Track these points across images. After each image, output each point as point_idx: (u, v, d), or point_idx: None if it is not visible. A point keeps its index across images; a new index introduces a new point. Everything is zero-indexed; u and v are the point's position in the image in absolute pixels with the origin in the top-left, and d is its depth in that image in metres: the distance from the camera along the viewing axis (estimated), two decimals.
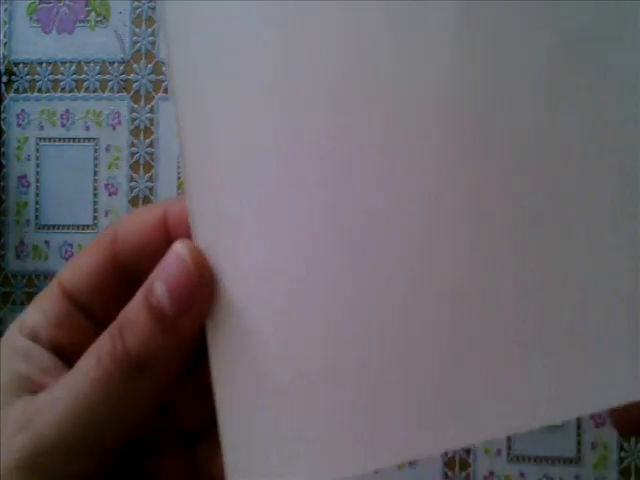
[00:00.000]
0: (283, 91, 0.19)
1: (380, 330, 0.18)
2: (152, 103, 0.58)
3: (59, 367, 0.20)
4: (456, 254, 0.18)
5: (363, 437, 0.18)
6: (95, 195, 0.58)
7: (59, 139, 0.58)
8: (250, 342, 0.18)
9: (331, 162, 0.19)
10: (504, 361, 0.18)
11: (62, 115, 0.58)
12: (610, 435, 0.53)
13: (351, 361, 0.18)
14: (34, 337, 0.20)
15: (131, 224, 0.21)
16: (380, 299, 0.18)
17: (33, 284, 0.57)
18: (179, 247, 0.18)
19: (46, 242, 0.58)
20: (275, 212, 0.18)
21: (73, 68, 0.58)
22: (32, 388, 0.19)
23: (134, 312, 0.18)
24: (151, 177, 0.57)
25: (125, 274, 0.21)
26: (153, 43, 0.58)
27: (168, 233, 0.21)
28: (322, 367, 0.18)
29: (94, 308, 0.21)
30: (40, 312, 0.21)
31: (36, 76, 0.59)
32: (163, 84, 0.58)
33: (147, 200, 0.57)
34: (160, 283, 0.18)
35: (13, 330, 0.21)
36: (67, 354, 0.20)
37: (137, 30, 0.58)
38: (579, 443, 0.53)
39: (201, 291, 0.18)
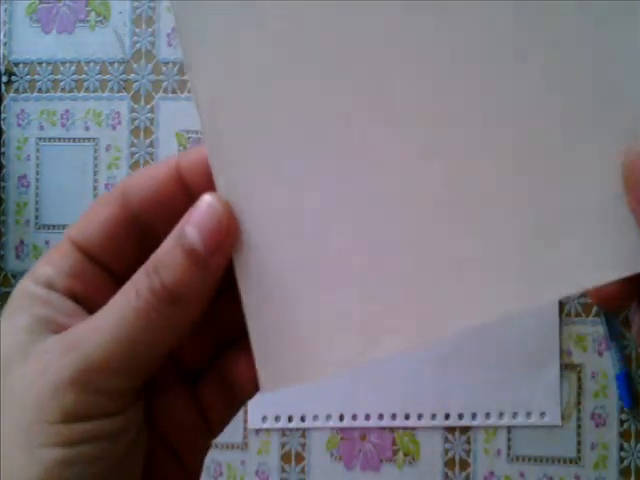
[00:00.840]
0: (292, 46, 0.21)
1: (388, 240, 0.21)
2: (152, 103, 0.58)
3: (79, 311, 0.21)
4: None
5: (384, 325, 0.21)
6: (95, 195, 0.58)
7: (59, 139, 0.58)
8: (272, 269, 0.21)
9: (338, 115, 0.21)
10: (517, 248, 0.20)
11: (62, 115, 0.58)
12: (610, 435, 0.53)
13: (365, 267, 0.21)
14: (50, 286, 0.21)
15: (141, 179, 0.23)
16: (389, 217, 0.21)
17: None
18: (208, 197, 0.21)
19: (46, 242, 0.58)
20: (289, 157, 0.21)
21: (73, 68, 0.58)
22: (57, 330, 0.20)
23: (168, 253, 0.20)
24: None
25: (136, 226, 0.22)
26: (153, 43, 0.58)
27: (182, 183, 0.22)
28: (340, 274, 0.21)
29: (106, 260, 0.22)
30: (52, 265, 0.22)
31: (36, 76, 0.59)
32: (163, 84, 0.58)
33: None
34: (191, 227, 0.20)
35: (26, 281, 0.22)
36: (83, 303, 0.22)
37: (137, 30, 0.58)
38: (579, 443, 0.53)
39: (229, 233, 0.21)
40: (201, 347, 0.24)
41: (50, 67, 0.58)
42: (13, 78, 0.59)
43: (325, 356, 0.21)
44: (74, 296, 0.22)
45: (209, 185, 0.21)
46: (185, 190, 0.22)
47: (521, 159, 0.21)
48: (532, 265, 0.21)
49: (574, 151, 0.21)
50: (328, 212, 0.21)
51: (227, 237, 0.21)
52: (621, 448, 0.53)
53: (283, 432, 0.55)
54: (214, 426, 0.24)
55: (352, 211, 0.21)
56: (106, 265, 0.22)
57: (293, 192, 0.21)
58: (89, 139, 0.58)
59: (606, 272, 0.20)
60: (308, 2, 0.21)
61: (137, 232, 0.22)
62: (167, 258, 0.20)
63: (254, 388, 0.22)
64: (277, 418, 0.54)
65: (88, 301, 0.22)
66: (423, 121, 0.21)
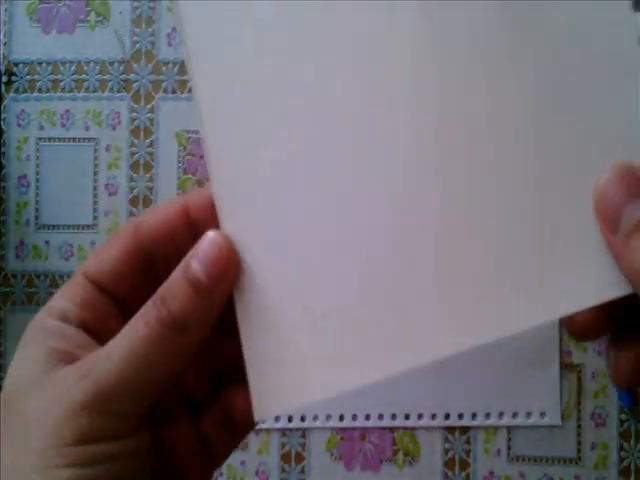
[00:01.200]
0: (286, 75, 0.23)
1: (375, 265, 0.22)
2: (152, 103, 0.58)
3: (91, 343, 0.23)
4: (445, 189, 0.22)
5: (374, 348, 0.22)
6: (95, 195, 0.58)
7: (59, 139, 0.58)
8: (268, 301, 0.22)
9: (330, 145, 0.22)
10: (496, 275, 0.21)
11: (62, 115, 0.58)
12: (610, 435, 0.53)
13: (356, 293, 0.22)
14: (64, 319, 0.23)
15: (153, 217, 0.24)
16: (376, 240, 0.22)
17: (33, 284, 0.57)
18: (212, 234, 0.22)
19: (46, 242, 0.58)
20: (283, 194, 0.23)
21: (73, 68, 0.58)
22: (70, 361, 0.22)
23: (174, 284, 0.22)
24: (151, 177, 0.57)
25: (146, 261, 0.24)
26: (153, 43, 0.58)
27: (190, 221, 0.24)
28: (331, 304, 0.22)
29: (117, 292, 0.24)
30: (67, 298, 0.24)
31: (36, 76, 0.59)
32: (163, 84, 0.58)
33: (147, 200, 0.57)
34: (196, 261, 0.22)
35: (42, 315, 0.23)
36: (94, 333, 0.23)
37: (137, 30, 0.58)
38: (579, 443, 0.53)
39: (230, 264, 0.22)
40: (204, 379, 0.26)
41: (50, 67, 0.58)
42: (13, 78, 0.59)
43: (314, 383, 0.22)
44: (86, 327, 0.23)
45: (214, 222, 0.23)
46: (192, 228, 0.24)
47: (507, 196, 0.22)
48: (507, 293, 0.21)
49: (548, 182, 0.21)
50: (325, 253, 0.22)
51: (228, 268, 0.22)
52: (621, 448, 0.53)
53: (283, 432, 0.55)
54: (217, 456, 0.25)
55: (351, 251, 0.22)
56: (117, 297, 0.24)
57: (290, 230, 0.23)
58: (89, 139, 0.58)
59: (581, 299, 0.21)
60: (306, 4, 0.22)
61: (147, 266, 0.24)
62: (173, 289, 0.22)
63: (252, 421, 0.23)
64: (277, 418, 0.54)
65: (99, 331, 0.23)
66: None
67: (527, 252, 0.21)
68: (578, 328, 0.23)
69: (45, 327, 0.23)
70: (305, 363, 0.22)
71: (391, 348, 0.22)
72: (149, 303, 0.22)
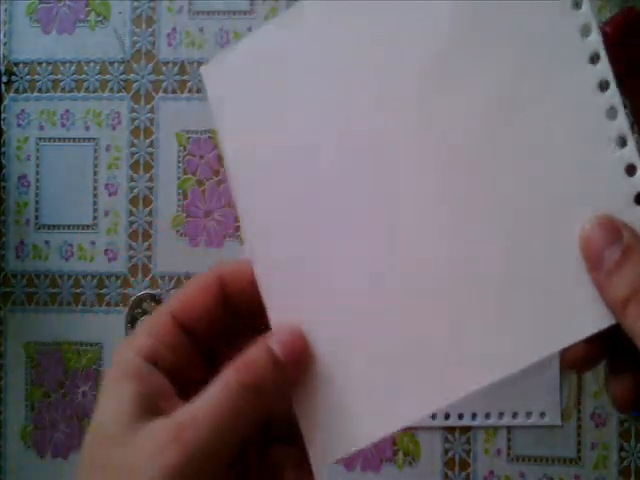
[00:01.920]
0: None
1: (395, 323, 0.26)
2: (152, 103, 0.58)
3: (171, 392, 0.25)
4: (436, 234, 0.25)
5: (406, 393, 0.25)
6: (95, 195, 0.58)
7: (59, 139, 0.58)
8: (325, 388, 0.26)
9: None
10: (496, 322, 0.25)
11: (62, 115, 0.58)
12: (610, 435, 0.53)
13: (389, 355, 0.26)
14: (153, 361, 0.25)
15: (238, 269, 0.28)
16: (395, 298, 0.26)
17: (33, 284, 0.57)
18: (289, 328, 0.26)
19: (46, 242, 0.58)
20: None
21: (73, 68, 0.58)
22: (155, 411, 0.24)
23: (257, 356, 0.25)
24: (151, 177, 0.57)
25: (229, 310, 0.27)
26: (153, 43, 0.58)
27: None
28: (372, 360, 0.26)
29: (201, 337, 0.27)
30: (155, 337, 0.26)
31: (36, 76, 0.59)
32: (163, 84, 0.58)
33: (147, 200, 0.57)
34: (277, 341, 0.26)
35: (128, 350, 0.25)
36: (177, 376, 0.26)
37: (137, 30, 0.58)
38: (579, 443, 0.53)
39: (302, 354, 0.26)
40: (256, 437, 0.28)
41: (50, 67, 0.59)
42: (13, 78, 0.59)
43: (363, 431, 0.26)
44: (170, 371, 0.26)
45: None
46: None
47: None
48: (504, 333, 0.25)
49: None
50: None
51: (301, 354, 0.26)
52: (621, 448, 0.53)
53: None
54: None
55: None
56: (200, 341, 0.27)
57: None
58: (89, 139, 0.58)
59: (574, 333, 0.24)
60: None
61: (230, 314, 0.28)
62: (256, 359, 0.25)
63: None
64: None
65: (179, 375, 0.26)
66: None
67: (524, 297, 0.24)
68: (572, 360, 0.27)
69: (135, 368, 0.25)
70: (352, 411, 0.26)
71: (420, 393, 0.26)
72: (231, 368, 0.25)
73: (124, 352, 0.25)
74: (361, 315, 0.26)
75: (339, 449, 0.26)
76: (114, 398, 0.24)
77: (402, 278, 0.26)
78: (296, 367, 0.26)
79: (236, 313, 0.28)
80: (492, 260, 0.25)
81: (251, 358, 0.25)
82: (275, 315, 0.27)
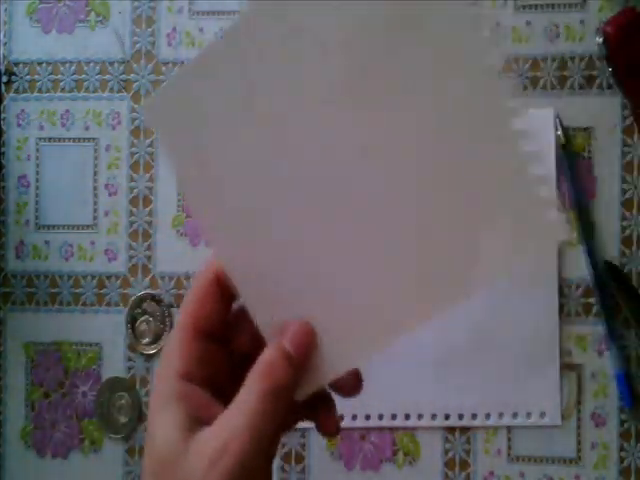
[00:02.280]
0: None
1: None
2: None
3: (209, 400, 0.29)
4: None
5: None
6: (95, 195, 0.58)
7: (59, 139, 0.58)
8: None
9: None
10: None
11: (62, 115, 0.58)
12: (610, 435, 0.53)
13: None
14: (189, 378, 0.29)
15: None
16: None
17: (33, 284, 0.57)
18: (299, 324, 0.29)
19: (46, 242, 0.58)
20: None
21: (73, 68, 0.58)
22: (201, 422, 0.28)
23: (275, 357, 0.28)
24: (151, 177, 0.57)
25: (226, 301, 0.31)
26: (153, 43, 0.58)
27: None
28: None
29: (216, 335, 0.30)
30: (187, 357, 0.29)
31: (36, 76, 0.59)
32: (163, 84, 0.58)
33: (147, 200, 0.57)
34: (287, 340, 0.28)
35: (169, 378, 0.29)
36: (210, 383, 0.29)
37: (137, 30, 0.58)
38: (579, 443, 0.53)
39: (311, 346, 0.29)
40: None
41: (50, 67, 0.59)
42: (13, 78, 0.59)
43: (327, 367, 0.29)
44: (205, 382, 0.29)
45: None
46: None
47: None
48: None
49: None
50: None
51: (309, 346, 0.29)
52: (621, 448, 0.53)
53: None
54: None
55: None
56: (223, 342, 0.31)
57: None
58: (89, 139, 0.58)
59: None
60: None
61: (228, 306, 0.31)
62: (274, 361, 0.28)
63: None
64: None
65: (213, 382, 0.30)
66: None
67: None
68: (339, 386, 0.31)
69: (178, 391, 0.28)
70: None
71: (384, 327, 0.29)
72: (255, 374, 0.28)
73: (164, 378, 0.29)
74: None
75: (311, 385, 0.29)
76: (163, 424, 0.28)
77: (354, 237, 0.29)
78: (307, 359, 0.29)
79: (230, 301, 0.31)
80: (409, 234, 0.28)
81: (270, 361, 0.28)
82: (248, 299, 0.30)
